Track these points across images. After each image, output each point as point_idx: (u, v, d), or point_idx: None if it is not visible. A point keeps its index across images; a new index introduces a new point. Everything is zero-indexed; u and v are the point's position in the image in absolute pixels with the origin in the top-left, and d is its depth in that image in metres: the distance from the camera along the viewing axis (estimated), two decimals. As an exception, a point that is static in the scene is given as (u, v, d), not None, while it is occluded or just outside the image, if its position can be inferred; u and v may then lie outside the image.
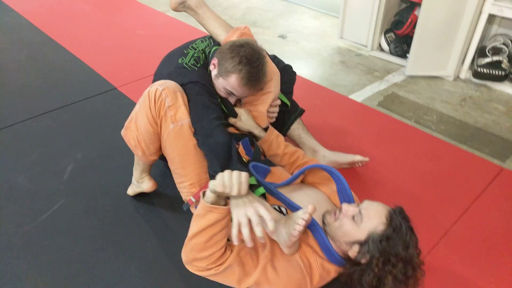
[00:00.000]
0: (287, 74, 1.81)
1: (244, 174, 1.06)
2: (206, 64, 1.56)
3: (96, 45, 2.98)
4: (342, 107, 2.31)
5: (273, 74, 1.60)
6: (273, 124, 1.76)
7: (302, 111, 1.87)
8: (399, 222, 1.08)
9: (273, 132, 1.59)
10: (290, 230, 1.07)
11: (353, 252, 1.13)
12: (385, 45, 2.88)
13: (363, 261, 1.12)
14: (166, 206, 1.62)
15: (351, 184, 1.68)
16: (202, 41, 1.64)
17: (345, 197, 1.32)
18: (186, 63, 1.51)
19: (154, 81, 1.61)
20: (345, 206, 1.17)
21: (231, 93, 1.49)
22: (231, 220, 1.09)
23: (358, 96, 2.45)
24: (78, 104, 2.29)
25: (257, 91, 1.55)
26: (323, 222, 1.20)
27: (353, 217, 1.14)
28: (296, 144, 1.83)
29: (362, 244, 1.11)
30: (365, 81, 2.63)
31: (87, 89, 2.42)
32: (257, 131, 1.56)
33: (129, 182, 1.67)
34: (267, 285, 1.13)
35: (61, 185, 1.72)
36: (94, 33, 3.18)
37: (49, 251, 1.44)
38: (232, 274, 1.11)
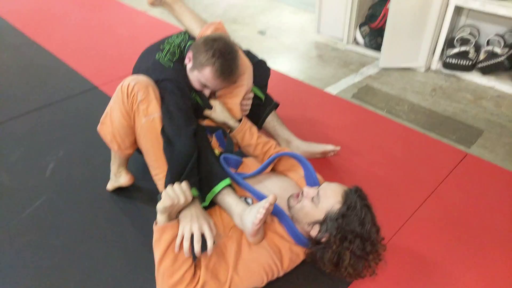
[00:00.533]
0: (261, 68, 1.89)
1: (183, 184, 1.19)
2: (182, 58, 1.62)
3: (77, 45, 3.02)
4: (317, 99, 2.39)
5: (246, 68, 1.67)
6: (248, 117, 1.84)
7: (276, 105, 1.94)
8: (354, 200, 1.16)
9: (246, 123, 1.66)
10: (252, 219, 1.15)
11: (314, 231, 1.21)
12: (360, 39, 2.96)
13: (323, 240, 1.19)
14: (144, 199, 1.68)
15: (324, 172, 1.77)
16: (178, 36, 1.70)
17: (311, 182, 1.39)
18: (162, 59, 1.58)
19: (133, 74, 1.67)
20: (305, 188, 1.25)
21: (205, 86, 1.56)
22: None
23: (333, 89, 2.53)
24: (59, 103, 2.34)
25: (231, 84, 1.62)
26: (288, 206, 1.27)
27: (312, 199, 1.21)
28: (271, 136, 1.91)
29: (321, 223, 1.18)
30: (340, 74, 2.71)
31: (68, 89, 2.47)
32: (231, 122, 1.63)
33: (108, 178, 1.74)
34: (243, 282, 1.19)
35: (43, 182, 1.77)
36: (75, 33, 3.22)
37: (31, 245, 1.49)
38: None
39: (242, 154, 1.57)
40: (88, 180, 1.78)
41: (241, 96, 1.67)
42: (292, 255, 1.25)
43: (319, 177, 1.47)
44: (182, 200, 1.16)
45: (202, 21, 1.70)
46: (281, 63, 2.84)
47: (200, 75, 1.50)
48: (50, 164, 1.88)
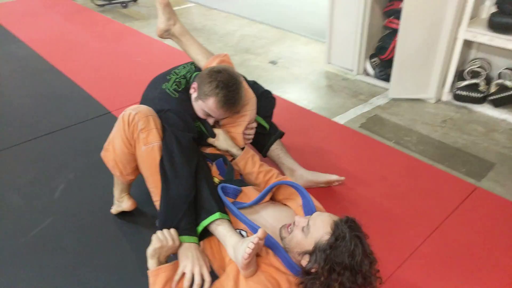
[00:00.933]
0: (266, 98, 1.93)
1: (172, 230, 1.32)
2: (187, 88, 1.68)
3: (95, 72, 3.15)
4: (325, 129, 2.41)
5: (249, 98, 1.72)
6: (253, 145, 1.87)
7: (281, 133, 1.96)
8: (343, 231, 1.14)
9: (249, 152, 1.68)
10: (242, 253, 1.15)
11: (304, 262, 1.19)
12: (370, 70, 2.99)
13: (312, 270, 1.17)
14: (147, 223, 1.70)
15: (327, 201, 1.77)
16: (184, 67, 1.77)
17: (308, 211, 1.39)
18: (168, 89, 1.64)
19: (141, 103, 1.73)
20: (297, 218, 1.25)
21: (209, 115, 1.60)
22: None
23: (342, 119, 2.55)
24: (73, 127, 2.42)
25: (234, 114, 1.66)
26: (280, 237, 1.27)
27: (302, 228, 1.21)
28: (275, 164, 1.92)
29: (310, 254, 1.17)
30: (349, 104, 2.73)
31: (83, 113, 2.56)
32: (234, 150, 1.66)
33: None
34: None
35: (51, 203, 1.82)
36: (94, 61, 3.36)
37: (35, 265, 1.52)
38: None
39: (243, 183, 1.58)
40: (94, 203, 1.82)
41: (244, 125, 1.70)
42: (290, 286, 1.24)
43: (318, 205, 1.47)
44: (170, 242, 1.28)
45: (208, 53, 1.77)
46: (290, 93, 2.88)
47: (204, 105, 1.55)
48: (60, 186, 1.93)
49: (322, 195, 1.82)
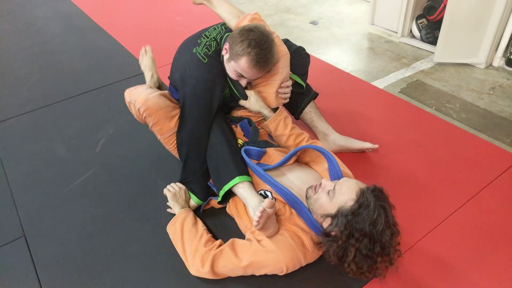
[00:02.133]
0: (299, 56, 1.87)
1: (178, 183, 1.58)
2: (218, 50, 1.67)
3: (136, 30, 3.20)
4: (362, 92, 2.33)
5: (281, 55, 1.68)
6: (286, 106, 1.85)
7: (315, 94, 1.92)
8: (367, 199, 1.13)
9: (282, 113, 1.66)
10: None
11: (325, 224, 1.21)
12: (416, 32, 2.82)
13: (332, 233, 1.19)
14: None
15: (359, 167, 1.75)
16: (215, 29, 1.75)
17: (334, 175, 1.39)
18: (199, 53, 1.63)
19: (172, 67, 1.76)
20: (324, 181, 1.25)
21: (241, 76, 1.60)
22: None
23: (381, 83, 2.46)
24: (115, 84, 2.51)
25: (266, 73, 1.65)
26: (306, 196, 1.29)
27: (328, 192, 1.21)
28: (308, 127, 1.91)
29: (332, 217, 1.18)
30: (391, 67, 2.61)
31: (124, 71, 2.64)
32: (266, 112, 1.65)
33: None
34: (261, 267, 1.25)
35: (93, 156, 1.94)
36: (136, 19, 3.41)
37: (78, 211, 1.66)
38: (228, 257, 1.27)
39: (268, 144, 1.59)
40: (132, 156, 1.92)
41: (276, 84, 1.67)
42: (314, 246, 1.27)
43: (346, 171, 1.46)
44: (177, 189, 1.56)
45: (239, 12, 1.73)
46: (330, 54, 2.80)
47: (236, 65, 1.54)
48: (101, 140, 2.04)
49: (354, 160, 1.81)
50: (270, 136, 1.69)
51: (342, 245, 1.15)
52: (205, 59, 1.60)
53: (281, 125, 1.64)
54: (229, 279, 1.34)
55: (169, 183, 1.75)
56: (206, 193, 1.58)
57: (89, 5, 3.70)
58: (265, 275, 1.30)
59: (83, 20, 3.42)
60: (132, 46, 2.95)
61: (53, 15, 3.57)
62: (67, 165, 1.90)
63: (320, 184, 1.26)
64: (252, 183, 1.41)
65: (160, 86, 1.91)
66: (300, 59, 1.84)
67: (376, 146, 1.82)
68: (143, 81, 2.54)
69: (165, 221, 1.58)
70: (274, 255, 1.23)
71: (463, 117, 2.12)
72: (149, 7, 3.65)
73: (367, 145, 1.82)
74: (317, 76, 2.41)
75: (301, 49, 1.87)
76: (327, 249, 1.19)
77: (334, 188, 1.21)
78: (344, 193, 1.18)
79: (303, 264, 1.28)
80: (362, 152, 1.87)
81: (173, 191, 1.55)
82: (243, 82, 1.64)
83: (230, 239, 1.33)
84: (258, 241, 1.26)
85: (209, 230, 1.50)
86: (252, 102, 1.65)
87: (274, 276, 1.30)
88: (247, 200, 1.36)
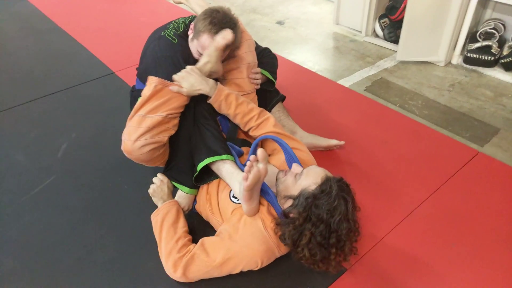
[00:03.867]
0: (267, 56, 1.88)
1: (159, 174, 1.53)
2: (186, 32, 1.64)
3: (100, 32, 3.11)
4: (329, 91, 2.37)
5: (244, 40, 1.67)
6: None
7: (283, 97, 1.94)
8: (330, 187, 1.13)
9: (221, 93, 1.47)
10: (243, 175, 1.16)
11: (286, 205, 1.21)
12: (379, 31, 2.89)
13: (291, 215, 1.19)
14: (149, 184, 1.72)
15: (326, 163, 1.76)
16: (185, 18, 1.73)
17: (291, 162, 1.39)
18: (168, 34, 1.61)
19: (141, 57, 1.72)
20: (294, 165, 1.26)
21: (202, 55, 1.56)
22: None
23: (347, 81, 2.50)
24: (77, 87, 2.43)
25: (231, 59, 1.61)
26: (276, 179, 1.29)
27: (295, 175, 1.23)
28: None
29: (294, 199, 1.19)
30: (356, 66, 2.66)
31: (86, 74, 2.55)
32: (203, 90, 1.44)
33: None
34: (236, 264, 1.24)
35: (54, 162, 1.86)
36: (99, 21, 3.31)
37: (38, 221, 1.58)
38: (200, 261, 1.25)
39: (244, 142, 1.58)
40: (96, 162, 1.85)
41: (245, 69, 1.65)
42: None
43: (307, 158, 1.48)
44: (158, 183, 1.50)
45: (208, 5, 1.73)
46: (296, 54, 2.82)
47: (198, 43, 1.52)
48: (63, 145, 1.96)
49: (322, 156, 1.83)
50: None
51: (299, 228, 1.14)
52: (175, 40, 1.58)
53: (223, 105, 1.49)
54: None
55: (135, 188, 1.71)
56: (191, 180, 1.46)
57: (50, 7, 3.56)
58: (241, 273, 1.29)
59: (42, 22, 3.29)
60: (95, 48, 2.86)
61: (9, 16, 3.42)
62: (27, 172, 1.81)
63: (290, 168, 1.28)
64: (235, 163, 1.40)
65: None
66: (268, 59, 1.85)
67: (342, 142, 1.85)
68: (107, 84, 2.48)
69: (131, 227, 1.54)
70: (247, 249, 1.22)
71: (426, 114, 2.19)
72: (113, 8, 3.55)
73: (333, 142, 1.85)
74: (284, 75, 2.42)
75: (268, 50, 1.88)
76: (283, 230, 1.18)
77: (302, 172, 1.22)
78: (309, 176, 1.19)
79: (277, 255, 1.28)
80: (329, 149, 1.90)
81: (153, 187, 1.50)
82: None
83: (200, 240, 1.30)
84: (230, 235, 1.24)
85: (192, 229, 1.45)
86: (184, 85, 1.40)
87: (249, 272, 1.30)
88: (233, 175, 1.33)
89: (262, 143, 1.58)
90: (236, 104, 1.50)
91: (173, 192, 1.54)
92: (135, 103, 1.62)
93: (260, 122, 1.52)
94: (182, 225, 1.38)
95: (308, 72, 2.58)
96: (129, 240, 1.49)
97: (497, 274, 1.35)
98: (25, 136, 2.03)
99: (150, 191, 1.51)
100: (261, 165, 1.14)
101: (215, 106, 1.51)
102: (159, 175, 1.52)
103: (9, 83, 2.49)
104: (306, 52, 2.86)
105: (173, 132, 1.41)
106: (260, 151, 1.18)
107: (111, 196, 1.68)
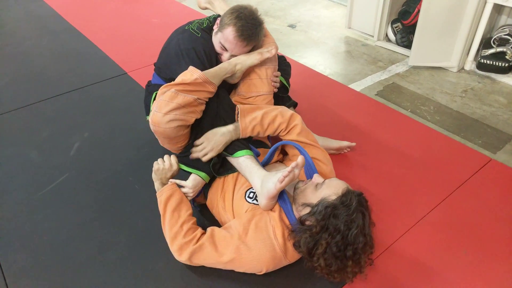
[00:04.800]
0: (282, 64, 1.90)
1: (172, 156, 1.48)
2: (210, 28, 1.68)
3: (113, 33, 3.15)
4: (340, 95, 2.36)
5: (267, 43, 1.70)
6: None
7: (295, 103, 1.97)
8: (350, 199, 1.14)
9: (247, 131, 1.49)
10: (277, 177, 1.20)
11: (303, 212, 1.21)
12: (392, 35, 2.88)
13: (307, 222, 1.18)
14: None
15: (338, 167, 1.77)
16: (209, 17, 1.76)
17: (310, 173, 1.40)
18: (192, 29, 1.65)
19: (161, 53, 1.76)
20: (315, 176, 1.27)
21: (224, 49, 1.59)
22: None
23: (358, 86, 2.49)
24: (90, 87, 2.46)
25: (248, 49, 1.62)
26: (295, 188, 1.30)
27: (316, 185, 1.23)
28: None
29: (312, 206, 1.19)
30: (367, 70, 2.65)
31: (100, 74, 2.59)
32: (231, 139, 1.47)
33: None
34: (241, 265, 1.24)
35: (67, 160, 1.89)
36: (112, 21, 3.35)
37: (50, 218, 1.60)
38: (207, 253, 1.25)
39: (262, 144, 1.60)
40: (108, 161, 1.87)
41: (265, 70, 1.68)
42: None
43: (327, 168, 1.49)
44: (166, 166, 1.46)
45: None
46: (308, 57, 2.82)
47: (221, 35, 1.56)
48: (76, 143, 1.99)
49: (332, 159, 1.82)
50: (268, 137, 1.69)
51: (315, 236, 1.14)
52: (198, 33, 1.62)
53: (253, 134, 1.53)
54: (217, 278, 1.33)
55: (147, 188, 1.72)
56: (208, 166, 1.47)
57: (65, 7, 3.62)
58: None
59: (57, 22, 3.34)
60: (109, 48, 2.90)
61: (25, 17, 3.48)
62: (40, 170, 1.83)
63: (311, 178, 1.28)
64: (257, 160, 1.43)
65: None
66: (283, 67, 1.88)
67: (353, 144, 1.86)
68: (120, 84, 2.51)
69: (142, 227, 1.56)
70: (254, 253, 1.22)
71: (437, 119, 2.18)
72: (126, 9, 3.59)
73: (344, 143, 1.85)
74: (295, 78, 2.42)
75: (283, 58, 1.90)
76: (299, 238, 1.18)
77: (323, 182, 1.23)
78: (330, 187, 1.19)
79: (284, 263, 1.28)
80: (339, 153, 1.89)
81: (157, 166, 1.48)
82: (225, 57, 1.62)
83: (209, 229, 1.30)
84: (240, 236, 1.24)
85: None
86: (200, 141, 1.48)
87: (253, 276, 1.30)
88: (254, 170, 1.35)
89: (282, 147, 1.59)
90: (262, 129, 1.50)
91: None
92: (150, 98, 1.67)
93: (289, 130, 1.54)
94: (186, 208, 1.38)
95: (319, 76, 2.58)
96: (140, 239, 1.50)
97: (510, 282, 1.33)
98: (38, 134, 2.06)
99: (155, 168, 1.48)
100: (297, 171, 1.19)
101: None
102: (172, 158, 1.49)
103: (24, 82, 2.53)
104: (317, 56, 2.86)
105: (199, 116, 1.43)
106: (301, 158, 1.20)
107: (122, 195, 1.70)
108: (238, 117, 1.49)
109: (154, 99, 1.64)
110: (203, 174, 1.47)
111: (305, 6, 3.69)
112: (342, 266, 1.15)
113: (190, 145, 1.50)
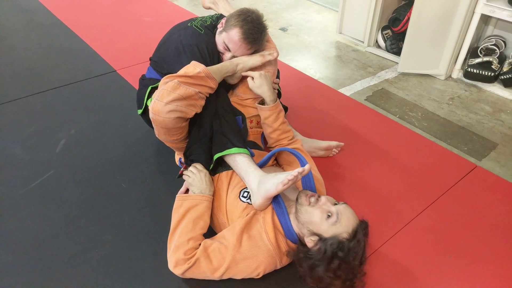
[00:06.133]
0: None
1: (198, 165, 1.45)
2: (213, 26, 1.69)
3: (103, 30, 3.11)
4: (329, 99, 2.38)
5: (268, 48, 1.71)
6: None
7: (285, 108, 1.97)
8: (359, 240, 1.20)
9: (278, 106, 1.63)
10: (281, 179, 1.22)
11: (309, 239, 1.22)
12: (381, 42, 2.92)
13: (309, 245, 1.22)
14: (147, 182, 1.73)
15: (327, 172, 1.78)
16: (212, 15, 1.76)
17: (306, 179, 1.41)
18: (195, 25, 1.66)
19: (159, 46, 1.75)
20: (324, 199, 1.26)
21: (227, 49, 1.60)
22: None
23: (348, 90, 2.51)
24: (78, 83, 2.42)
25: (251, 52, 1.63)
26: (296, 199, 1.29)
27: (327, 214, 1.22)
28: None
29: (322, 239, 1.20)
30: (357, 76, 2.68)
31: (88, 70, 2.55)
32: (267, 98, 1.59)
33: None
34: (237, 273, 1.24)
35: (53, 156, 1.85)
36: (102, 18, 3.31)
37: (35, 215, 1.57)
38: (203, 267, 1.24)
39: (255, 145, 1.61)
40: (95, 158, 1.85)
41: (273, 75, 1.72)
42: (289, 250, 1.29)
43: (318, 176, 1.51)
44: (196, 173, 1.42)
45: None
46: (298, 61, 2.83)
47: (226, 35, 1.56)
48: (62, 140, 1.95)
49: (321, 164, 1.83)
50: (262, 137, 1.71)
51: (318, 262, 1.18)
52: (201, 30, 1.63)
53: (273, 117, 1.61)
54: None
55: (133, 186, 1.70)
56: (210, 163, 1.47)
57: (53, 2, 3.56)
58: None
59: (46, 17, 3.28)
60: (98, 45, 2.86)
61: (13, 10, 3.41)
62: (25, 166, 1.80)
63: (318, 198, 1.26)
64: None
65: None
66: None
67: (341, 144, 1.89)
68: (108, 81, 2.48)
69: (128, 225, 1.54)
70: (252, 260, 1.23)
71: (425, 125, 2.21)
72: (117, 6, 3.56)
73: (333, 143, 1.87)
74: (286, 81, 2.43)
75: None
76: (301, 260, 1.22)
77: (334, 214, 1.22)
78: (343, 224, 1.20)
79: (278, 267, 1.30)
80: (328, 155, 1.90)
81: (189, 177, 1.42)
82: (226, 56, 1.63)
83: (201, 244, 1.27)
84: (234, 246, 1.23)
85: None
86: (256, 83, 1.58)
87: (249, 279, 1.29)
88: (251, 169, 1.35)
89: (277, 154, 1.60)
90: (282, 121, 1.62)
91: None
92: (144, 90, 1.66)
93: (291, 143, 1.61)
94: (202, 225, 1.32)
95: (310, 79, 2.59)
96: (126, 238, 1.48)
97: (494, 287, 1.35)
98: (24, 130, 2.01)
99: (189, 180, 1.42)
100: (300, 176, 1.21)
101: (265, 113, 1.61)
102: (198, 165, 1.45)
103: (11, 76, 2.48)
104: (308, 59, 2.88)
105: (199, 111, 1.42)
106: (308, 166, 1.22)
107: (108, 193, 1.67)
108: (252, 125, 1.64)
109: (149, 93, 1.64)
110: (235, 149, 1.43)
111: (297, 10, 3.71)
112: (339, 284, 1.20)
113: (191, 142, 1.49)
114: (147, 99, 1.64)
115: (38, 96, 2.28)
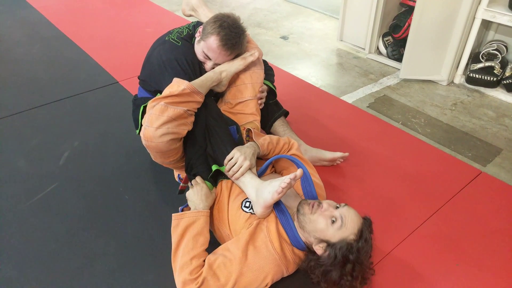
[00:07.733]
0: (264, 68, 1.89)
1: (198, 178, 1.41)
2: (191, 35, 1.68)
3: (105, 41, 3.13)
4: (331, 107, 2.37)
5: (250, 48, 1.70)
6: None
7: (286, 112, 1.96)
8: (366, 239, 1.21)
9: (264, 148, 1.52)
10: (275, 188, 1.21)
11: (318, 247, 1.23)
12: (382, 49, 2.92)
13: (319, 252, 1.23)
14: (151, 193, 1.72)
15: (331, 179, 1.77)
16: (188, 25, 1.76)
17: (306, 185, 1.41)
18: (172, 38, 1.65)
19: (144, 64, 1.75)
20: (325, 205, 1.25)
21: (207, 58, 1.58)
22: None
23: (350, 97, 2.51)
24: (81, 95, 2.43)
25: (231, 58, 1.62)
26: (298, 209, 1.28)
27: (331, 219, 1.22)
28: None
29: (330, 245, 1.20)
30: (359, 83, 2.68)
31: (91, 82, 2.56)
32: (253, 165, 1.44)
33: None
34: (246, 285, 1.22)
35: (56, 169, 1.85)
36: (104, 30, 3.34)
37: (39, 228, 1.56)
38: (211, 285, 1.20)
39: None
40: (98, 170, 1.85)
41: (249, 76, 1.70)
42: (295, 258, 1.28)
43: (317, 181, 1.49)
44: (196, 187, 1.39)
45: None
46: (300, 69, 2.83)
47: (204, 44, 1.55)
48: (65, 152, 1.96)
49: (325, 172, 1.83)
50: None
51: (330, 267, 1.20)
52: (178, 42, 1.62)
53: (266, 151, 1.56)
54: None
55: (137, 198, 1.70)
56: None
57: (56, 14, 3.60)
58: None
59: (48, 29, 3.32)
60: (100, 57, 2.88)
61: (16, 23, 3.45)
62: (28, 179, 1.80)
63: (319, 204, 1.26)
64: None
65: None
66: (268, 71, 1.86)
67: (346, 154, 1.86)
68: (111, 93, 2.49)
69: (132, 237, 1.53)
70: (259, 272, 1.22)
71: (428, 132, 2.20)
72: (119, 18, 3.59)
73: (338, 154, 1.85)
74: (287, 90, 2.44)
75: (265, 63, 1.90)
76: (312, 266, 1.24)
77: (338, 218, 1.22)
78: (348, 227, 1.21)
79: (285, 275, 1.30)
80: (332, 164, 1.90)
81: (191, 194, 1.38)
82: (208, 65, 1.62)
83: (205, 261, 1.24)
84: (240, 259, 1.21)
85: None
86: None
87: None
88: (248, 180, 1.35)
89: (274, 161, 1.59)
90: (272, 143, 1.55)
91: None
92: (138, 111, 1.64)
93: (290, 148, 1.59)
94: (202, 241, 1.28)
95: (311, 87, 2.59)
96: (129, 250, 1.48)
97: (501, 296, 1.34)
98: (27, 143, 2.02)
99: (188, 195, 1.40)
100: (293, 182, 1.21)
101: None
102: (198, 178, 1.42)
103: (14, 89, 2.50)
104: (309, 67, 2.88)
105: (190, 128, 1.41)
106: (300, 171, 1.21)
107: (112, 205, 1.67)
108: (248, 138, 1.57)
109: (143, 112, 1.59)
110: (208, 183, 1.43)
111: (297, 18, 3.72)
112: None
113: (189, 158, 1.47)
114: (141, 118, 1.61)
115: (41, 109, 2.29)
